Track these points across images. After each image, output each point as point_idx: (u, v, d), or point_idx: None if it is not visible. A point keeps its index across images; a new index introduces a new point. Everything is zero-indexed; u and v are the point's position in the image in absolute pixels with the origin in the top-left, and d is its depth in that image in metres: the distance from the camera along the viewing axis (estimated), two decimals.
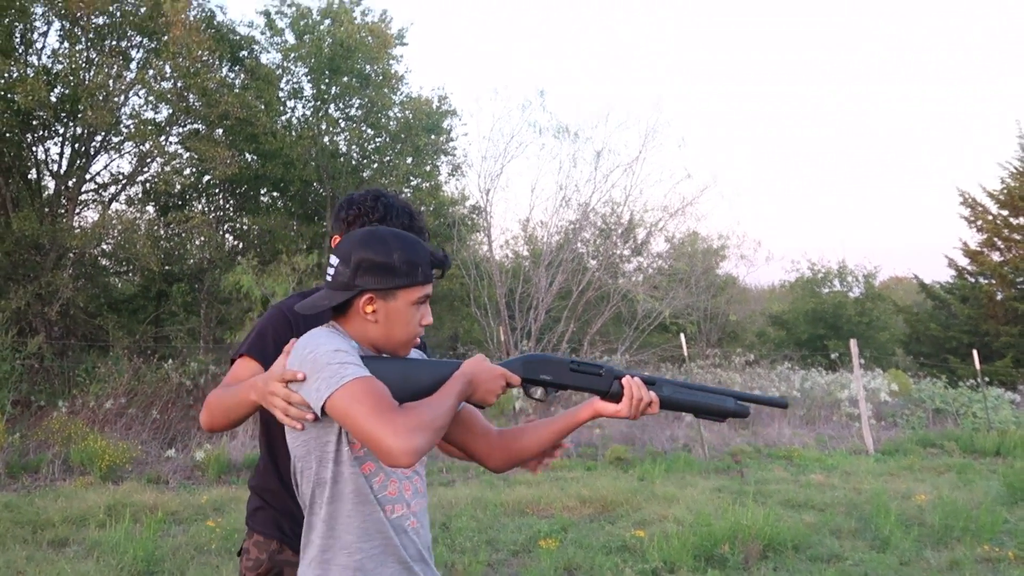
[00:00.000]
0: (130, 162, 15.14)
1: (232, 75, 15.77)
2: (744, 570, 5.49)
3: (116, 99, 13.48)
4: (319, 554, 1.82)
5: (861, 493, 8.07)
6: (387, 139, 17.28)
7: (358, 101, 16.93)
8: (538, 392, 2.04)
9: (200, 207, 16.81)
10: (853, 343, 12.85)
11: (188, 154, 15.08)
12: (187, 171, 15.63)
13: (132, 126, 14.09)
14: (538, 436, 2.05)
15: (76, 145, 14.16)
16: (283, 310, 2.33)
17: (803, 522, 6.70)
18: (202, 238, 15.74)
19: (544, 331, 16.26)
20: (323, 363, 1.72)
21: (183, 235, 15.76)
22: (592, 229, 18.08)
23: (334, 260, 1.88)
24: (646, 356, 16.66)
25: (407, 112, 17.13)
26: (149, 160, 14.84)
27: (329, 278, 1.89)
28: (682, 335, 12.77)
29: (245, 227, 17.34)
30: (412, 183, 17.58)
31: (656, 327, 17.29)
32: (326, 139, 16.81)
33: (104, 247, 14.52)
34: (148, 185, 15.71)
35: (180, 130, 15.24)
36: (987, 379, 15.91)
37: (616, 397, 2.02)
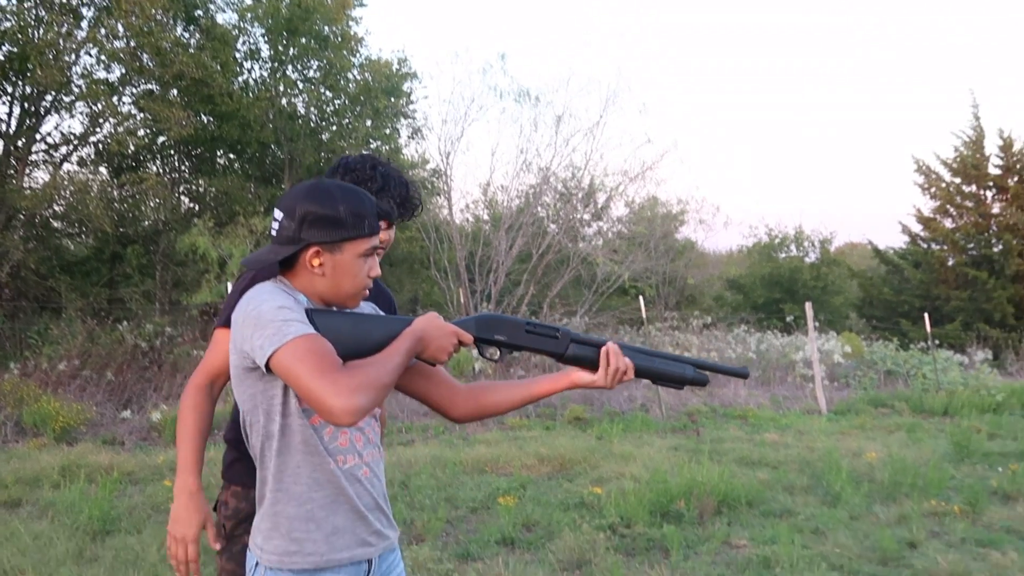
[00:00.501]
0: (82, 122, 14.82)
1: (187, 35, 15.42)
2: (699, 525, 5.58)
3: (67, 58, 13.14)
4: (270, 506, 1.82)
5: (814, 451, 8.23)
6: (346, 101, 17.07)
7: (316, 63, 16.67)
8: (494, 353, 2.01)
9: (155, 169, 16.51)
10: (808, 306, 13.05)
11: (142, 115, 14.75)
12: (141, 132, 15.30)
13: (84, 86, 13.75)
14: (510, 395, 2.04)
15: (25, 104, 13.82)
16: (248, 278, 2.29)
17: (757, 479, 6.82)
18: (157, 200, 15.46)
19: (504, 294, 16.30)
20: (267, 320, 1.69)
21: (137, 197, 15.46)
22: (552, 193, 18.10)
23: (278, 214, 1.84)
24: (605, 319, 16.78)
25: (366, 74, 16.91)
26: (101, 120, 14.51)
27: (274, 232, 1.85)
28: (641, 298, 12.86)
29: (201, 189, 17.06)
30: (372, 146, 17.41)
31: (615, 290, 17.41)
32: (284, 101, 16.55)
33: (56, 208, 14.21)
34: (101, 146, 15.36)
35: (133, 90, 14.92)
36: (937, 342, 16.27)
37: (572, 361, 2.00)
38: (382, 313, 2.03)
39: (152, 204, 15.76)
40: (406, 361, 1.79)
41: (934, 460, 7.41)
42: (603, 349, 1.98)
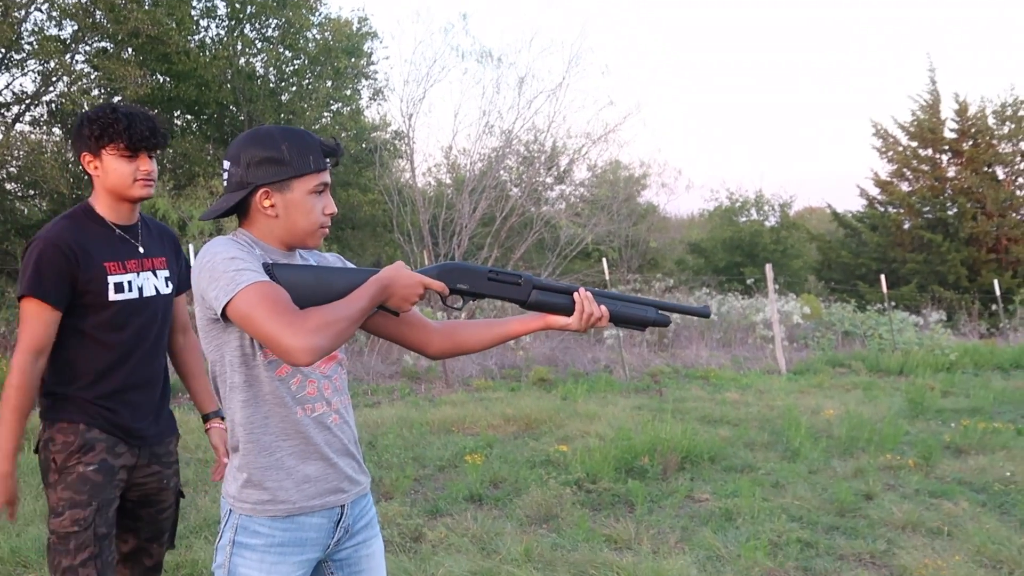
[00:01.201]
0: (34, 81, 14.48)
1: None
2: (663, 480, 5.69)
3: (16, 14, 12.80)
4: (242, 457, 1.85)
5: (773, 409, 8.40)
6: (306, 61, 16.87)
7: (275, 21, 16.43)
8: (456, 301, 2.03)
9: None
10: (768, 268, 13.22)
11: (96, 74, 14.44)
12: (95, 91, 14.99)
13: (35, 43, 13.41)
14: (484, 333, 2.06)
15: None
16: (53, 242, 2.40)
17: (719, 436, 6.95)
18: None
19: (467, 257, 16.27)
20: (220, 271, 1.71)
21: None
22: (515, 156, 18.04)
23: (226, 164, 1.86)
24: (568, 282, 16.83)
25: (326, 34, 16.71)
26: (54, 79, 14.18)
27: (225, 182, 1.87)
28: (604, 260, 12.95)
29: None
30: (332, 107, 17.24)
31: (578, 253, 17.47)
32: (242, 61, 16.30)
33: (9, 170, 13.91)
34: (54, 106, 15.04)
35: (87, 48, 14.58)
36: (893, 303, 16.59)
37: (536, 307, 2.02)
38: (349, 265, 2.05)
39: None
40: (369, 307, 1.80)
41: (889, 416, 7.61)
42: (576, 295, 2.01)
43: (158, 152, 2.57)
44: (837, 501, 5.09)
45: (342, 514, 1.92)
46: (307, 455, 1.85)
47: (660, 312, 2.09)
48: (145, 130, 2.46)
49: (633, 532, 4.52)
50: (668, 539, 4.45)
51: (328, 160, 1.88)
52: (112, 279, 2.46)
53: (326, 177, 1.88)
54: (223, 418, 2.49)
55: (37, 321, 2.38)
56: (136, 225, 2.60)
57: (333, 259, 2.06)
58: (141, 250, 2.57)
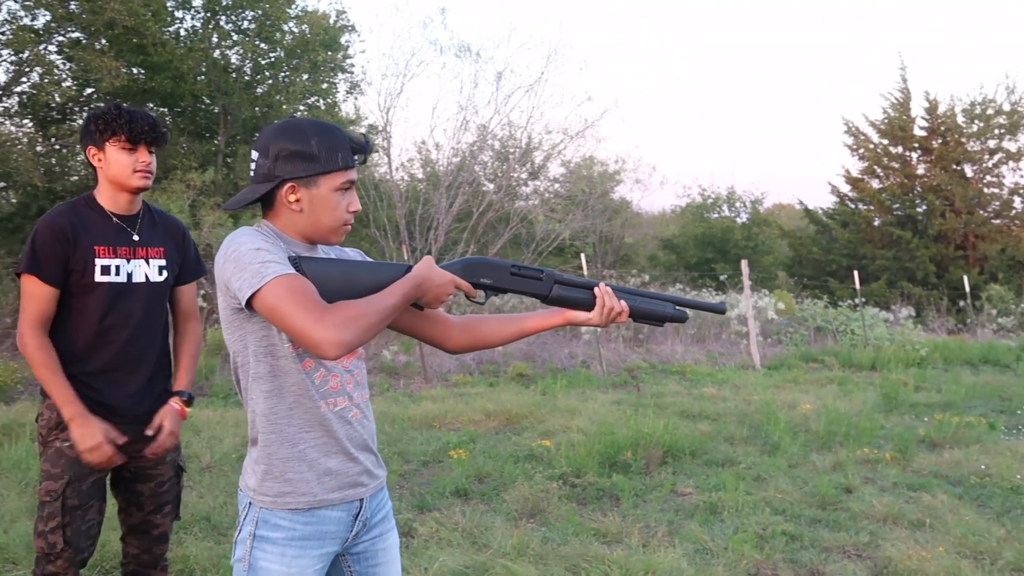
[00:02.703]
0: (7, 72, 14.24)
1: None
2: (646, 474, 5.75)
3: None
4: (263, 448, 1.85)
5: (751, 404, 8.49)
6: (282, 54, 16.72)
7: (251, 13, 16.27)
8: (480, 295, 2.05)
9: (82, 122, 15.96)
10: (744, 264, 13.35)
11: (68, 65, 14.24)
12: (67, 83, 14.77)
13: (9, 32, 13.20)
14: (503, 329, 2.08)
15: None
16: (48, 224, 2.61)
17: (698, 431, 7.02)
18: (82, 155, 14.96)
19: (444, 252, 16.28)
20: (246, 262, 1.71)
21: (65, 151, 14.99)
22: (490, 152, 18.05)
23: (254, 154, 1.86)
24: None
25: (303, 26, 16.57)
26: (28, 70, 13.96)
27: (252, 173, 1.87)
28: (582, 256, 13.01)
29: None
30: (309, 101, 17.12)
31: (553, 249, 17.52)
32: (217, 53, 16.15)
33: None
34: (25, 97, 14.81)
35: (60, 39, 14.35)
36: (864, 299, 16.80)
37: (556, 302, 2.04)
38: (369, 259, 2.07)
39: (81, 158, 15.27)
40: (402, 304, 1.81)
41: (865, 411, 7.73)
42: (597, 290, 2.03)
43: (156, 148, 2.74)
44: (818, 494, 5.18)
45: (361, 508, 1.94)
46: (329, 449, 1.87)
47: (677, 308, 2.11)
48: (145, 125, 2.67)
49: (621, 526, 4.57)
50: (656, 533, 4.51)
51: (356, 157, 1.88)
52: (100, 261, 2.65)
53: (353, 175, 1.88)
54: (186, 403, 2.80)
55: (33, 297, 2.60)
56: (136, 215, 2.77)
57: (354, 254, 2.06)
58: (136, 238, 2.74)
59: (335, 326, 1.65)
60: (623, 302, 2.04)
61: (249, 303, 1.71)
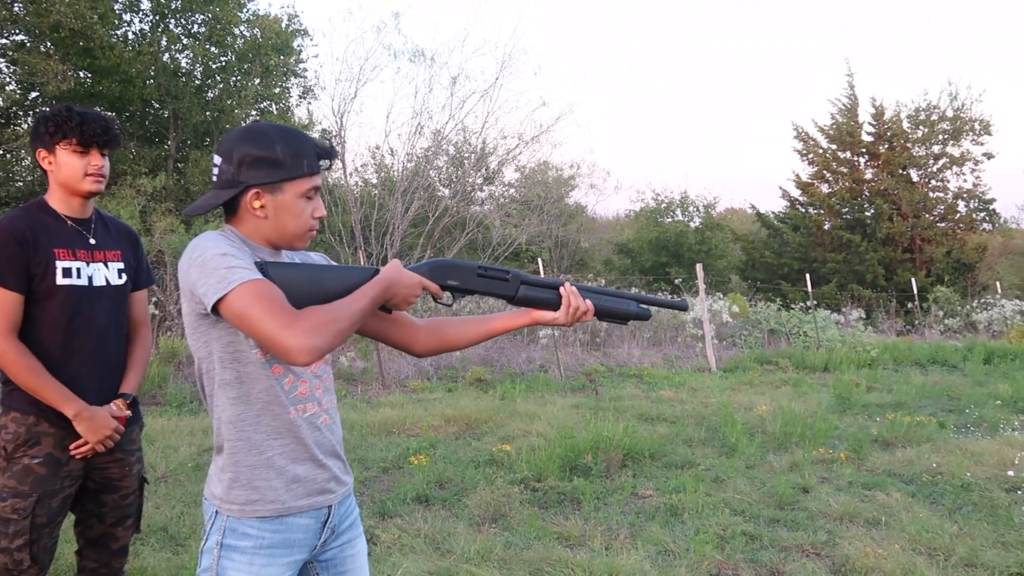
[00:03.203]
0: None
1: None
2: (607, 478, 5.77)
3: None
4: (229, 456, 1.81)
5: (708, 406, 8.57)
6: (233, 58, 16.56)
7: (201, 16, 16.10)
8: (447, 298, 2.04)
9: (27, 126, 15.66)
10: (699, 268, 13.48)
11: (12, 68, 13.95)
12: (11, 87, 14.47)
13: None
14: (469, 330, 2.08)
15: None
16: (6, 229, 2.53)
17: (657, 433, 7.07)
18: (32, 159, 14.69)
19: (400, 257, 16.21)
20: (211, 267, 1.68)
21: (9, 156, 14.68)
22: (445, 157, 18.03)
23: (216, 159, 1.82)
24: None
25: (255, 30, 16.45)
26: None
27: (214, 178, 1.83)
28: (539, 260, 13.04)
29: None
30: (261, 105, 16.95)
31: (510, 254, 17.54)
32: (167, 56, 15.92)
33: None
34: None
35: (3, 41, 14.06)
36: (815, 302, 17.07)
37: (523, 302, 2.04)
38: (334, 263, 2.05)
39: (27, 163, 14.97)
40: (372, 307, 1.79)
41: (820, 412, 7.84)
42: (562, 289, 2.04)
43: (109, 151, 2.68)
44: (776, 495, 5.24)
45: (329, 515, 1.91)
46: (297, 456, 1.84)
47: (641, 306, 2.13)
48: (97, 127, 2.61)
49: (583, 529, 4.58)
50: (618, 535, 4.52)
51: (322, 163, 1.86)
52: (60, 264, 2.58)
53: (318, 181, 1.86)
54: (128, 405, 2.73)
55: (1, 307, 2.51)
56: (90, 219, 2.72)
57: (318, 258, 2.04)
58: (92, 241, 2.69)
59: (305, 332, 1.62)
60: (588, 301, 2.06)
61: (216, 308, 1.68)
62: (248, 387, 1.80)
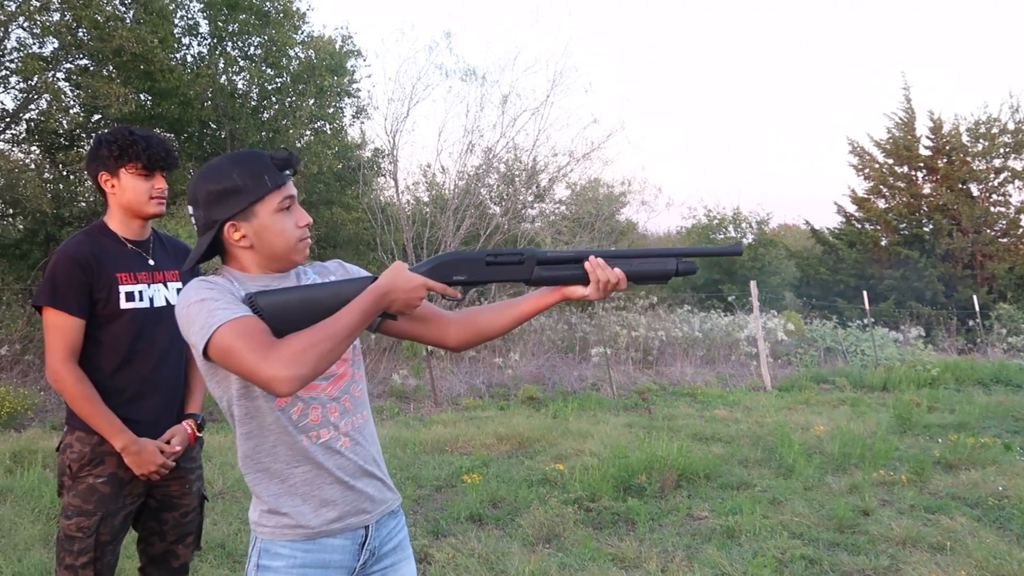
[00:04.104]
0: (15, 99, 14.32)
1: (123, 8, 14.99)
2: (661, 498, 5.71)
3: None
4: (253, 486, 1.85)
5: (763, 426, 8.44)
6: (288, 79, 16.80)
7: (258, 39, 16.38)
8: (457, 292, 1.94)
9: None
10: (753, 285, 13.33)
11: (76, 92, 14.33)
12: (75, 109, 14.84)
13: (19, 60, 13.29)
14: (501, 316, 2.01)
15: None
16: (69, 254, 2.57)
17: (712, 453, 6.98)
18: (92, 180, 15.00)
19: None
20: (193, 315, 1.70)
21: (73, 177, 15.05)
22: (496, 175, 18.08)
23: (190, 209, 1.83)
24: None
25: (309, 51, 16.68)
26: (36, 97, 14.05)
27: (195, 227, 1.84)
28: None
29: None
30: (315, 125, 17.18)
31: None
32: (224, 78, 16.23)
33: None
34: (32, 124, 14.89)
35: (68, 66, 14.45)
36: (873, 320, 16.75)
37: (542, 283, 1.94)
38: (349, 268, 2.01)
39: (89, 184, 15.33)
40: (363, 320, 1.73)
41: (879, 432, 7.67)
42: (587, 265, 1.91)
43: (168, 172, 2.73)
44: (835, 517, 5.13)
45: (367, 535, 1.91)
46: (322, 480, 1.84)
47: (684, 260, 1.96)
48: (161, 151, 2.65)
49: (638, 551, 4.53)
50: (674, 557, 4.46)
51: (287, 172, 1.84)
52: (123, 288, 2.62)
53: (289, 190, 1.84)
54: (199, 426, 2.79)
55: (60, 330, 2.55)
56: (148, 240, 2.76)
57: (334, 266, 2.02)
58: (151, 263, 2.73)
59: (282, 362, 1.60)
60: (617, 270, 1.91)
61: (206, 355, 1.69)
62: (259, 421, 1.82)
